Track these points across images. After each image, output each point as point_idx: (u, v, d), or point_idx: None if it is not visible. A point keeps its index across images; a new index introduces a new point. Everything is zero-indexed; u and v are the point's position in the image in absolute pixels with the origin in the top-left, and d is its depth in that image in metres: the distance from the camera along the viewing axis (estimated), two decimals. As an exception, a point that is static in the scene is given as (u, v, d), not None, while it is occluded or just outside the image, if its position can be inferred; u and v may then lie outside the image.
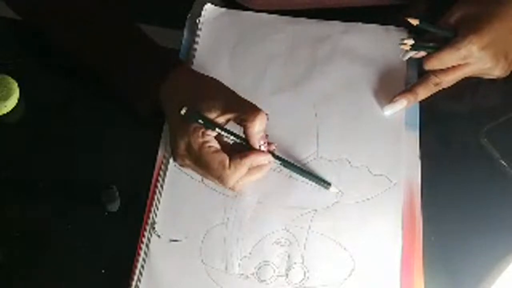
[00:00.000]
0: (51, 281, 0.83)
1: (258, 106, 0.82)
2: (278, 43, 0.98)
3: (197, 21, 1.00)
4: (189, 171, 0.86)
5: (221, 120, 0.83)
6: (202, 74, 0.88)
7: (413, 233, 0.85)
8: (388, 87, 0.94)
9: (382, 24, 1.00)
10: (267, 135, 0.84)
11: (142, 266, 0.83)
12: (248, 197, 0.87)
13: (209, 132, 0.82)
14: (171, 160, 0.88)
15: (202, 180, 0.87)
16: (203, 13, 1.01)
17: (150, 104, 0.88)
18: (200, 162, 0.82)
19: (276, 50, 0.98)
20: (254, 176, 0.84)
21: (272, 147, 0.85)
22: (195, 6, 1.02)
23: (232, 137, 0.83)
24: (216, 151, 0.82)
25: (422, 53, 0.91)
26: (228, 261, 0.83)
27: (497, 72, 0.91)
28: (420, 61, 0.92)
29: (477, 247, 0.84)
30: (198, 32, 0.99)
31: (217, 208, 0.87)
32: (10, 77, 0.94)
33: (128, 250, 0.84)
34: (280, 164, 0.86)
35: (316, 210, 0.86)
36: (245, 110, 0.82)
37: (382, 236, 0.85)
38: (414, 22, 0.88)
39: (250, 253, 0.84)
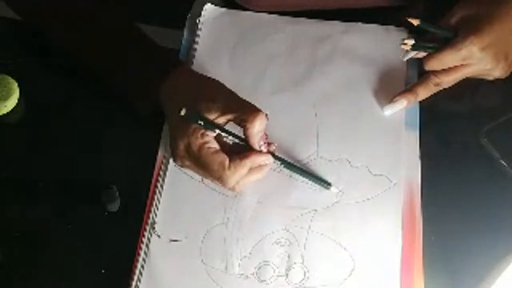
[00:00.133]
0: (51, 281, 0.83)
1: (258, 106, 0.82)
2: (278, 43, 0.98)
3: (197, 21, 1.00)
4: (189, 171, 0.86)
5: (220, 120, 0.83)
6: (202, 75, 0.88)
7: (413, 233, 0.85)
8: (388, 87, 0.94)
9: (382, 24, 1.00)
10: (267, 135, 0.84)
11: (142, 266, 0.83)
12: (248, 197, 0.87)
13: (209, 132, 0.82)
14: (171, 160, 0.88)
15: (202, 180, 0.87)
16: (203, 13, 1.01)
17: (150, 104, 0.88)
18: (199, 163, 0.82)
19: (276, 50, 0.98)
20: (254, 176, 0.84)
21: (272, 148, 0.85)
22: (195, 6, 1.02)
23: (231, 138, 0.83)
24: (216, 151, 0.82)
25: (422, 53, 0.91)
26: (228, 261, 0.83)
27: (497, 73, 0.91)
28: (420, 61, 0.92)
29: (477, 247, 0.84)
30: (198, 32, 0.99)
31: (217, 208, 0.87)
32: (10, 77, 0.94)
33: (128, 250, 0.84)
34: (280, 164, 0.86)
35: (316, 210, 0.86)
36: (244, 110, 0.82)
37: (382, 236, 0.85)
38: (415, 22, 0.88)
39: (250, 253, 0.84)
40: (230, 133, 0.83)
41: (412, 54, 0.91)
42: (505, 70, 0.92)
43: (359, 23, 1.00)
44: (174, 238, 0.85)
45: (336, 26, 1.00)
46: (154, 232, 0.85)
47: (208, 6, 1.01)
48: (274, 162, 0.85)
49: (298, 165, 0.87)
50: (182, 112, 0.82)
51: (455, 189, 0.88)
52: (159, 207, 0.87)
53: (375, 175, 0.88)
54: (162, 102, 0.87)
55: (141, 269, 0.83)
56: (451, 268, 0.83)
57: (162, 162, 0.90)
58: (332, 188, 0.86)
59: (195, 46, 0.98)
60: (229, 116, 0.82)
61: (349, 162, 0.89)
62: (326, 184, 0.86)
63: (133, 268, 0.83)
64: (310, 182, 0.87)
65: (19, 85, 0.94)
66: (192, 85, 0.86)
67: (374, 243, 0.84)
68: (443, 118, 0.94)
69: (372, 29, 0.99)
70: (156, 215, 0.86)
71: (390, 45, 0.97)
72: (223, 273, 0.83)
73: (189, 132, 0.82)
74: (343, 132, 0.91)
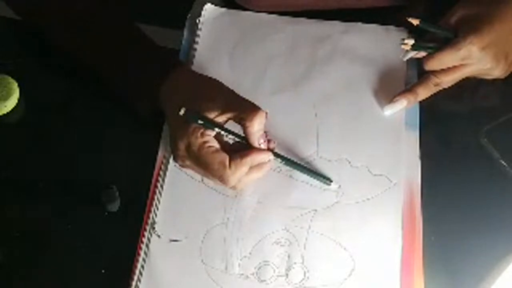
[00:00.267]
0: (51, 281, 0.83)
1: (258, 106, 0.82)
2: (278, 43, 0.98)
3: (197, 21, 1.00)
4: (189, 171, 0.86)
5: (220, 119, 0.82)
6: (202, 75, 0.88)
7: (413, 233, 0.85)
8: (388, 87, 0.94)
9: (382, 24, 1.00)
10: (267, 133, 0.84)
11: (142, 266, 0.83)
12: (248, 197, 0.87)
13: (209, 132, 0.82)
14: (171, 160, 0.88)
15: (202, 180, 0.87)
16: (203, 13, 1.01)
17: (150, 104, 0.88)
18: (200, 163, 0.82)
19: (276, 50, 0.98)
20: (255, 174, 0.84)
21: (272, 145, 0.85)
22: (195, 6, 1.02)
23: (231, 136, 0.83)
24: (216, 151, 0.82)
25: (422, 53, 0.91)
26: (228, 261, 0.83)
27: (497, 72, 0.91)
28: (420, 61, 0.92)
29: (477, 247, 0.84)
30: (198, 32, 0.99)
31: (217, 208, 0.87)
32: (10, 77, 0.94)
33: (128, 250, 0.84)
34: (281, 162, 0.85)
35: (316, 210, 0.86)
36: (244, 109, 0.82)
37: (382, 236, 0.85)
38: (415, 22, 0.88)
39: (250, 253, 0.84)
40: (230, 132, 0.83)
41: (412, 54, 0.91)
42: (505, 70, 0.92)
43: (359, 23, 1.00)
44: (174, 238, 0.85)
45: (336, 26, 1.00)
46: (154, 232, 0.85)
47: (208, 6, 1.01)
48: (275, 160, 0.85)
49: (298, 162, 0.87)
50: (181, 112, 0.82)
51: (455, 189, 0.88)
52: (159, 207, 0.87)
53: (375, 175, 0.88)
54: (162, 102, 0.87)
55: (141, 269, 0.83)
56: (451, 268, 0.83)
57: (162, 162, 0.90)
58: (333, 185, 0.86)
59: (195, 46, 0.98)
60: (228, 115, 0.82)
61: (349, 162, 0.89)
62: (326, 180, 0.86)
63: (133, 268, 0.83)
64: (310, 180, 0.87)
65: (19, 85, 0.94)
66: (192, 85, 0.86)
67: (374, 243, 0.84)
68: (443, 118, 0.94)
69: (372, 29, 0.99)
70: (156, 215, 0.86)
71: (390, 45, 0.97)
72: (223, 273, 0.83)
73: (189, 132, 0.82)
74: (343, 132, 0.91)
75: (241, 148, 0.83)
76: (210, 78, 0.87)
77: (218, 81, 0.86)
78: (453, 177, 0.88)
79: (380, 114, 0.93)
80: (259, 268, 0.83)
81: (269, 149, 0.84)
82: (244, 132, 0.82)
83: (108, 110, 0.93)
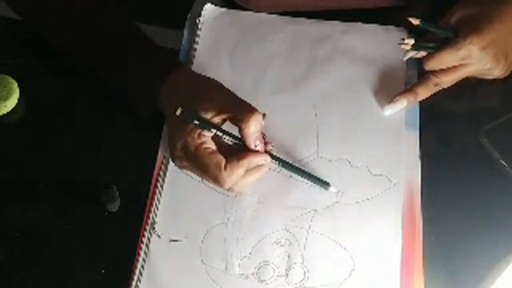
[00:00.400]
0: (51, 281, 0.83)
1: (258, 106, 0.82)
2: (278, 43, 0.98)
3: (197, 21, 1.00)
4: (188, 172, 0.86)
5: (216, 120, 0.82)
6: (201, 75, 0.88)
7: (413, 233, 0.85)
8: (388, 87, 0.94)
9: (382, 24, 1.00)
10: (264, 135, 0.84)
11: (142, 266, 0.83)
12: (248, 197, 0.87)
13: (206, 133, 0.82)
14: (171, 160, 0.88)
15: (202, 180, 0.87)
16: (203, 13, 1.01)
17: (150, 104, 0.88)
18: (196, 164, 0.82)
19: (276, 50, 0.98)
20: (252, 177, 0.83)
21: (269, 147, 0.85)
22: (195, 6, 1.02)
23: (228, 138, 0.83)
24: (213, 152, 0.82)
25: (422, 53, 0.91)
26: (228, 261, 0.83)
27: (497, 72, 0.91)
28: (420, 61, 0.92)
29: (477, 247, 0.84)
30: (198, 32, 0.99)
31: (217, 208, 0.87)
32: (10, 77, 0.94)
33: (128, 250, 0.84)
34: (278, 164, 0.85)
35: (316, 210, 0.86)
36: (240, 110, 0.82)
37: (382, 236, 0.85)
38: (416, 21, 0.88)
39: (250, 253, 0.84)
40: (226, 133, 0.83)
41: (412, 54, 0.91)
42: (505, 70, 0.92)
43: (359, 23, 1.00)
44: (174, 238, 0.85)
45: (336, 26, 1.00)
46: (154, 232, 0.85)
47: (208, 6, 1.01)
48: (272, 162, 0.85)
49: (296, 165, 0.87)
50: (178, 112, 0.82)
51: (455, 189, 0.88)
52: (159, 207, 0.87)
53: (375, 175, 0.88)
54: (162, 102, 0.87)
55: (141, 269, 0.83)
56: (451, 268, 0.83)
57: (162, 162, 0.90)
58: (331, 188, 0.86)
59: (195, 46, 0.98)
60: (224, 116, 0.82)
61: (349, 162, 0.89)
62: (324, 184, 0.86)
63: (133, 268, 0.83)
64: (310, 181, 0.87)
65: (19, 85, 0.94)
66: (191, 85, 0.86)
67: (374, 243, 0.84)
68: (443, 118, 0.94)
69: (372, 29, 0.99)
70: (156, 215, 0.86)
71: (390, 45, 0.97)
72: (223, 273, 0.83)
73: (186, 132, 0.82)
74: (343, 132, 0.91)
75: (238, 151, 0.83)
76: (210, 78, 0.87)
77: (217, 81, 0.86)
78: (453, 177, 0.88)
79: (380, 114, 0.93)
80: (259, 268, 0.83)
81: (266, 151, 0.84)
82: (240, 134, 0.82)
83: (108, 110, 0.93)
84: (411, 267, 0.83)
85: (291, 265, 0.83)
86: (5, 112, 0.93)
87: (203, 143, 0.82)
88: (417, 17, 0.88)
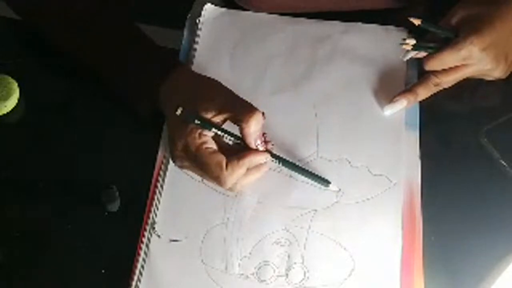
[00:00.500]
0: (51, 281, 0.83)
1: (258, 106, 0.82)
2: (278, 43, 0.98)
3: (197, 21, 1.00)
4: (188, 171, 0.86)
5: (217, 119, 0.82)
6: (201, 75, 0.88)
7: (413, 233, 0.85)
8: (388, 87, 0.94)
9: (382, 24, 0.99)
10: (264, 134, 0.84)
11: (142, 266, 0.83)
12: (248, 197, 0.87)
13: (206, 132, 0.82)
14: (171, 160, 0.88)
15: (202, 180, 0.87)
16: (203, 13, 1.01)
17: (150, 104, 0.88)
18: (197, 163, 0.82)
19: (276, 50, 0.98)
20: (252, 176, 0.83)
21: (269, 146, 0.85)
22: (195, 6, 1.02)
23: (229, 137, 0.83)
24: (214, 152, 0.82)
25: (423, 53, 0.91)
26: (228, 261, 0.83)
27: (497, 73, 0.91)
28: (420, 61, 0.92)
29: (477, 247, 0.84)
30: (198, 32, 0.99)
31: (217, 208, 0.87)
32: (10, 77, 0.94)
33: (128, 250, 0.84)
34: (278, 163, 0.85)
35: (316, 210, 0.86)
36: (241, 110, 0.82)
37: (382, 236, 0.85)
38: (416, 22, 0.88)
39: (250, 253, 0.84)
40: (227, 132, 0.83)
41: (413, 54, 0.91)
42: (505, 71, 0.92)
43: (359, 23, 1.00)
44: (174, 238, 0.85)
45: (336, 26, 1.00)
46: (154, 232, 0.85)
47: (208, 6, 1.01)
48: (272, 161, 0.85)
49: (296, 163, 0.87)
50: (178, 111, 0.82)
51: (455, 189, 0.88)
52: (159, 207, 0.87)
53: (375, 175, 0.88)
54: (162, 102, 0.87)
55: (141, 269, 0.83)
56: (451, 268, 0.83)
57: (162, 162, 0.90)
58: (331, 186, 0.86)
59: (195, 46, 0.98)
60: (225, 115, 0.82)
61: (349, 162, 0.89)
62: (325, 182, 0.86)
63: (133, 268, 0.83)
64: (310, 181, 0.87)
65: (19, 85, 0.94)
66: (191, 85, 0.86)
67: (374, 243, 0.84)
68: (443, 118, 0.94)
69: (372, 29, 0.99)
70: (156, 215, 0.86)
71: (390, 45, 0.97)
72: (223, 273, 0.83)
73: (187, 132, 0.82)
74: (343, 132, 0.91)
75: (239, 150, 0.83)
76: (210, 78, 0.87)
77: (217, 81, 0.86)
78: (453, 177, 0.88)
79: (380, 114, 0.93)
80: (259, 268, 0.83)
81: (266, 150, 0.84)
82: (241, 133, 0.82)
83: (108, 110, 0.93)
84: (411, 267, 0.83)
85: (291, 265, 0.83)
86: (5, 112, 0.93)
87: (204, 142, 0.82)
88: (417, 17, 0.88)
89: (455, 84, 0.92)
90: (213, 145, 0.82)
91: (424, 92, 0.92)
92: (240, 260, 0.84)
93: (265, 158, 0.83)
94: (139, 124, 0.91)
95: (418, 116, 0.93)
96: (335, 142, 0.91)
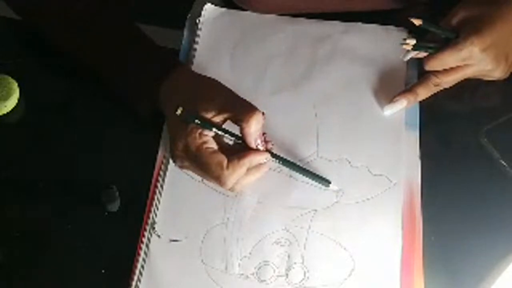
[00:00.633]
0: (51, 281, 0.83)
1: (259, 106, 0.82)
2: (278, 43, 0.98)
3: (197, 21, 1.00)
4: (188, 171, 0.86)
5: (217, 119, 0.82)
6: (201, 75, 0.88)
7: (413, 233, 0.85)
8: (388, 87, 0.94)
9: (382, 24, 0.99)
10: (264, 134, 0.84)
11: (142, 266, 0.83)
12: (248, 197, 0.87)
13: (207, 132, 0.82)
14: (171, 160, 0.88)
15: (202, 180, 0.87)
16: (203, 13, 1.01)
17: (150, 104, 0.88)
18: (198, 163, 0.82)
19: (276, 50, 0.98)
20: (253, 176, 0.83)
21: (269, 146, 0.85)
22: (195, 6, 1.02)
23: (229, 137, 0.83)
24: (214, 152, 0.82)
25: (423, 54, 0.91)
26: (228, 261, 0.83)
27: (497, 74, 0.91)
28: (420, 61, 0.92)
29: (477, 247, 0.84)
30: (198, 32, 0.99)
31: (217, 208, 0.87)
32: (10, 77, 0.94)
33: (128, 250, 0.84)
34: (279, 162, 0.85)
35: (316, 210, 0.86)
36: (241, 110, 0.82)
37: (382, 236, 0.85)
38: (417, 22, 0.88)
39: (250, 253, 0.84)
40: (227, 132, 0.83)
41: (413, 54, 0.91)
42: (505, 71, 0.92)
43: (359, 23, 1.00)
44: (174, 238, 0.85)
45: (336, 26, 1.00)
46: (154, 232, 0.85)
47: (208, 6, 1.01)
48: (272, 161, 0.85)
49: (296, 163, 0.87)
50: (178, 111, 0.82)
51: (455, 189, 0.88)
52: (159, 207, 0.87)
53: (375, 175, 0.88)
54: (162, 102, 0.87)
55: (141, 269, 0.83)
56: (451, 268, 0.83)
57: (162, 162, 0.90)
58: (332, 186, 0.86)
59: (195, 46, 0.98)
60: (225, 115, 0.82)
61: (349, 162, 0.89)
62: (325, 181, 0.86)
63: (133, 268, 0.83)
64: (310, 181, 0.87)
65: (19, 85, 0.94)
66: (191, 85, 0.86)
67: (374, 243, 0.84)
68: (443, 118, 0.94)
69: (372, 29, 0.99)
70: (156, 215, 0.86)
71: (390, 45, 0.97)
72: (223, 273, 0.83)
73: (187, 132, 0.82)
74: (343, 132, 0.91)
75: (239, 150, 0.83)
76: (210, 78, 0.87)
77: (217, 81, 0.86)
78: (453, 177, 0.88)
79: (380, 114, 0.93)
80: (259, 268, 0.83)
81: (267, 150, 0.84)
82: (241, 133, 0.82)
83: (108, 110, 0.93)
84: (411, 267, 0.83)
85: (291, 265, 0.83)
86: (5, 112, 0.93)
87: (204, 142, 0.82)
88: (418, 18, 0.88)
89: (455, 84, 0.92)
90: (213, 145, 0.82)
91: (424, 92, 0.92)
92: (240, 260, 0.84)
93: (265, 157, 0.83)
94: (139, 124, 0.91)
95: (418, 116, 0.93)
96: (335, 142, 0.91)
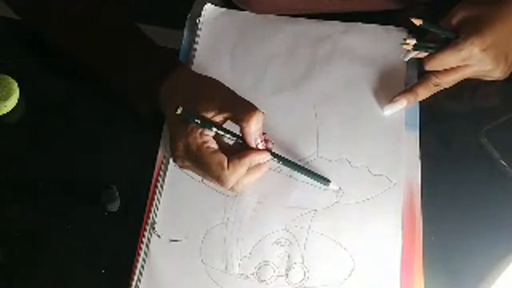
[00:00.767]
0: (51, 281, 0.83)
1: (259, 106, 0.82)
2: (278, 43, 0.98)
3: (197, 21, 1.00)
4: (189, 171, 0.86)
5: (217, 119, 0.82)
6: (201, 75, 0.88)
7: (413, 233, 0.85)
8: (388, 87, 0.94)
9: (382, 24, 0.99)
10: (264, 133, 0.84)
11: (142, 266, 0.83)
12: (248, 197, 0.87)
13: (207, 132, 0.82)
14: (171, 160, 0.88)
15: (202, 180, 0.87)
16: (203, 13, 1.01)
17: (150, 104, 0.88)
18: (198, 163, 0.82)
19: (276, 50, 0.98)
20: (253, 175, 0.83)
21: (270, 145, 0.85)
22: (195, 6, 1.02)
23: (229, 136, 0.83)
24: (215, 151, 0.82)
25: (423, 54, 0.91)
26: (228, 261, 0.83)
27: (497, 74, 0.91)
28: (420, 61, 0.92)
29: (477, 247, 0.84)
30: (198, 32, 0.99)
31: (217, 208, 0.87)
32: (10, 77, 0.94)
33: (128, 250, 0.84)
34: (279, 162, 0.85)
35: (316, 210, 0.86)
36: (241, 109, 0.82)
37: (382, 236, 0.85)
38: (417, 22, 0.88)
39: (250, 253, 0.84)
40: (227, 132, 0.83)
41: (413, 54, 0.91)
42: (505, 72, 0.92)
43: (359, 23, 1.00)
44: (174, 238, 0.85)
45: (336, 26, 1.00)
46: (154, 232, 0.85)
47: (208, 6, 1.01)
48: (273, 160, 0.85)
49: (296, 162, 0.87)
50: (178, 111, 0.82)
51: (455, 189, 0.88)
52: (159, 207, 0.87)
53: (375, 175, 0.88)
54: (162, 102, 0.87)
55: (141, 269, 0.83)
56: (451, 268, 0.83)
57: (162, 162, 0.90)
58: (331, 185, 0.86)
59: (195, 46, 0.98)
60: (225, 115, 0.82)
61: (349, 162, 0.89)
62: (325, 181, 0.86)
63: (133, 268, 0.83)
64: (309, 179, 0.87)
65: (19, 85, 0.94)
66: (191, 85, 0.86)
67: (374, 243, 0.84)
68: (443, 118, 0.94)
69: (372, 29, 0.99)
70: (156, 215, 0.86)
71: (390, 45, 0.97)
72: (223, 273, 0.83)
73: (188, 132, 0.82)
74: (343, 132, 0.91)
75: (240, 149, 0.83)
76: (210, 78, 0.87)
77: (217, 81, 0.86)
78: (453, 177, 0.88)
79: (380, 114, 0.93)
80: (259, 268, 0.83)
81: (267, 149, 0.84)
82: (241, 133, 0.82)
83: (108, 110, 0.93)
84: (411, 267, 0.83)
85: (291, 265, 0.83)
86: (5, 112, 0.93)
87: (205, 142, 0.82)
88: (418, 18, 0.88)
89: (455, 84, 0.92)
90: (214, 145, 0.82)
91: (424, 92, 0.92)
92: (240, 260, 0.84)
93: (265, 157, 0.83)
94: (139, 124, 0.91)
95: (418, 116, 0.93)
96: (335, 142, 0.91)
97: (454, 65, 0.90)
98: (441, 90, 0.92)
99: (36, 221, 0.86)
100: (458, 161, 0.90)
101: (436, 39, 0.91)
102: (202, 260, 0.84)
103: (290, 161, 0.86)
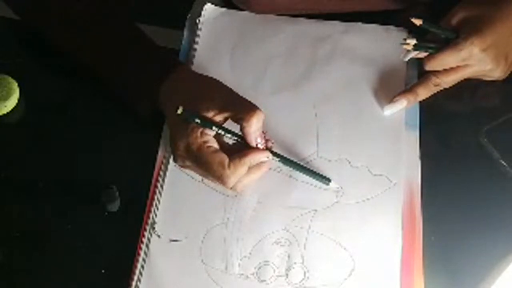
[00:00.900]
0: (51, 281, 0.83)
1: (259, 106, 0.82)
2: (278, 43, 0.98)
3: (197, 21, 1.00)
4: (189, 171, 0.86)
5: (218, 119, 0.82)
6: (202, 74, 0.88)
7: (413, 233, 0.85)
8: (388, 87, 0.94)
9: (382, 24, 0.99)
10: (265, 132, 0.84)
11: (142, 266, 0.83)
12: (248, 197, 0.87)
13: (208, 131, 0.82)
14: (171, 160, 0.88)
15: (202, 180, 0.87)
16: (203, 13, 1.01)
17: (150, 104, 0.88)
18: (199, 163, 0.82)
19: (276, 50, 0.98)
20: (254, 175, 0.83)
21: (270, 144, 0.85)
22: (195, 6, 1.02)
23: (230, 136, 0.83)
24: (216, 151, 0.82)
25: (423, 54, 0.91)
26: (228, 261, 0.83)
27: (497, 74, 0.91)
28: (420, 61, 0.92)
29: (477, 247, 0.84)
30: (198, 32, 0.99)
31: (217, 208, 0.87)
32: (10, 77, 0.94)
33: (128, 250, 0.84)
34: (279, 161, 0.85)
35: (316, 210, 0.86)
36: (241, 109, 0.82)
37: (382, 236, 0.85)
38: (417, 22, 0.88)
39: (250, 253, 0.84)
40: (228, 131, 0.83)
41: (413, 54, 0.91)
42: (505, 71, 0.92)
43: (359, 23, 1.00)
44: (174, 238, 0.85)
45: (336, 26, 1.00)
46: (154, 232, 0.85)
47: (208, 6, 1.01)
48: (273, 159, 0.85)
49: (296, 161, 0.87)
50: (179, 111, 0.82)
51: (455, 189, 0.88)
52: (159, 207, 0.87)
53: (375, 175, 0.88)
54: (162, 102, 0.87)
55: (141, 269, 0.83)
56: (451, 268, 0.83)
57: (162, 162, 0.90)
58: (332, 184, 0.86)
59: (195, 46, 0.98)
60: (226, 114, 0.82)
61: (349, 162, 0.89)
62: (325, 180, 0.86)
63: (133, 268, 0.83)
64: (310, 179, 0.87)
65: (19, 85, 0.94)
66: (191, 85, 0.86)
67: (374, 243, 0.84)
68: (443, 118, 0.94)
69: (372, 29, 0.99)
70: (156, 215, 0.86)
71: (390, 45, 0.97)
72: (223, 273, 0.83)
73: (188, 132, 0.82)
74: (343, 132, 0.91)
75: (240, 149, 0.83)
76: (210, 78, 0.87)
77: (217, 81, 0.86)
78: (453, 177, 0.88)
79: (380, 114, 0.93)
80: (259, 268, 0.83)
81: (267, 149, 0.84)
82: (242, 132, 0.82)
83: (108, 110, 0.93)
84: (411, 267, 0.83)
85: (291, 265, 0.83)
86: (5, 112, 0.93)
87: (206, 142, 0.82)
88: (418, 17, 0.88)
89: (455, 84, 0.92)
90: (214, 144, 0.82)
91: (424, 92, 0.92)
92: (240, 260, 0.84)
93: (266, 156, 0.83)
94: (139, 124, 0.91)
95: (418, 116, 0.93)
96: (335, 142, 0.91)
97: (454, 65, 0.90)
98: (441, 90, 0.92)
99: (36, 221, 0.86)
100: (458, 161, 0.90)
101: (436, 39, 0.91)
102: (202, 260, 0.84)
103: (290, 160, 0.86)
